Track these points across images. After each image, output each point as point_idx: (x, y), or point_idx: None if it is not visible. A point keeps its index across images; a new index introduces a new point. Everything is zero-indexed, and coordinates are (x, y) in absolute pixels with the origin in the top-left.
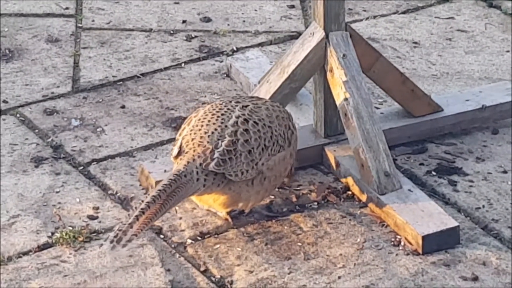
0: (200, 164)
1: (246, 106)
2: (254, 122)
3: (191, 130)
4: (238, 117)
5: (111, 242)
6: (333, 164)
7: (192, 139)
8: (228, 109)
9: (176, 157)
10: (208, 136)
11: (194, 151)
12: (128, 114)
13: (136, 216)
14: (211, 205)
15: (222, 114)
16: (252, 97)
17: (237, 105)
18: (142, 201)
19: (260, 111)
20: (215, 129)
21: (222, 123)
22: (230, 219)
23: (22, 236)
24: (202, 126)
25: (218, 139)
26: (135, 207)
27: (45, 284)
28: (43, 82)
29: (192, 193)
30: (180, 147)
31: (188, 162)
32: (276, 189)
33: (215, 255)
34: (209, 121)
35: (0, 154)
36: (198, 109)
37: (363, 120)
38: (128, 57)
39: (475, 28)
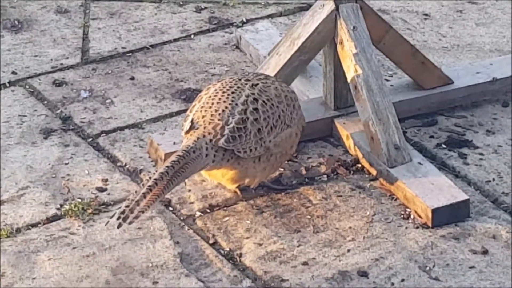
0: (210, 140)
1: (256, 85)
2: (263, 101)
3: (202, 107)
4: (248, 96)
5: (118, 219)
6: (343, 137)
7: (203, 116)
8: (238, 87)
9: (187, 132)
10: (219, 113)
11: (204, 127)
12: (137, 86)
13: (143, 193)
14: (220, 180)
15: (233, 93)
16: (260, 74)
17: (246, 83)
18: (150, 178)
19: (269, 91)
20: (226, 107)
21: (232, 101)
22: (239, 192)
23: (31, 208)
24: (212, 103)
25: (229, 117)
26: (142, 184)
27: (54, 256)
28: (52, 53)
29: (201, 168)
30: (192, 122)
31: (198, 138)
32: (286, 162)
33: (224, 228)
34: (219, 98)
35: (9, 126)
36: (209, 87)
37: (373, 93)
38: (138, 28)
39: None
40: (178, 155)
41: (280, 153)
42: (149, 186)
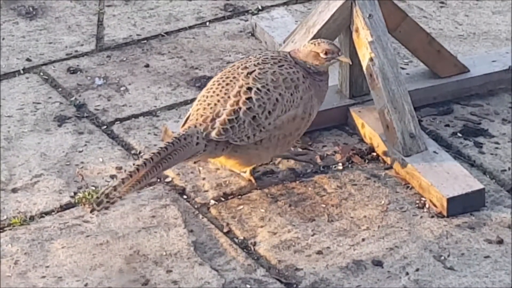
0: (202, 132)
1: (252, 72)
2: (257, 88)
3: (198, 101)
4: (241, 86)
5: (94, 203)
6: (358, 125)
7: (197, 110)
8: (234, 77)
9: (183, 126)
10: (211, 107)
11: (196, 120)
12: (152, 73)
13: (122, 179)
14: (229, 165)
15: (227, 84)
16: (264, 55)
17: (243, 72)
18: (134, 163)
19: (265, 77)
20: (218, 101)
21: (225, 94)
22: (253, 180)
23: (45, 195)
24: (207, 97)
25: (219, 109)
26: (124, 170)
27: (68, 244)
28: (67, 40)
29: (191, 155)
30: (188, 117)
31: (189, 127)
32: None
33: (239, 216)
34: (214, 91)
35: (23, 113)
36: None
37: (389, 81)
38: (153, 16)
39: None
40: (167, 142)
41: (283, 134)
42: (130, 172)
